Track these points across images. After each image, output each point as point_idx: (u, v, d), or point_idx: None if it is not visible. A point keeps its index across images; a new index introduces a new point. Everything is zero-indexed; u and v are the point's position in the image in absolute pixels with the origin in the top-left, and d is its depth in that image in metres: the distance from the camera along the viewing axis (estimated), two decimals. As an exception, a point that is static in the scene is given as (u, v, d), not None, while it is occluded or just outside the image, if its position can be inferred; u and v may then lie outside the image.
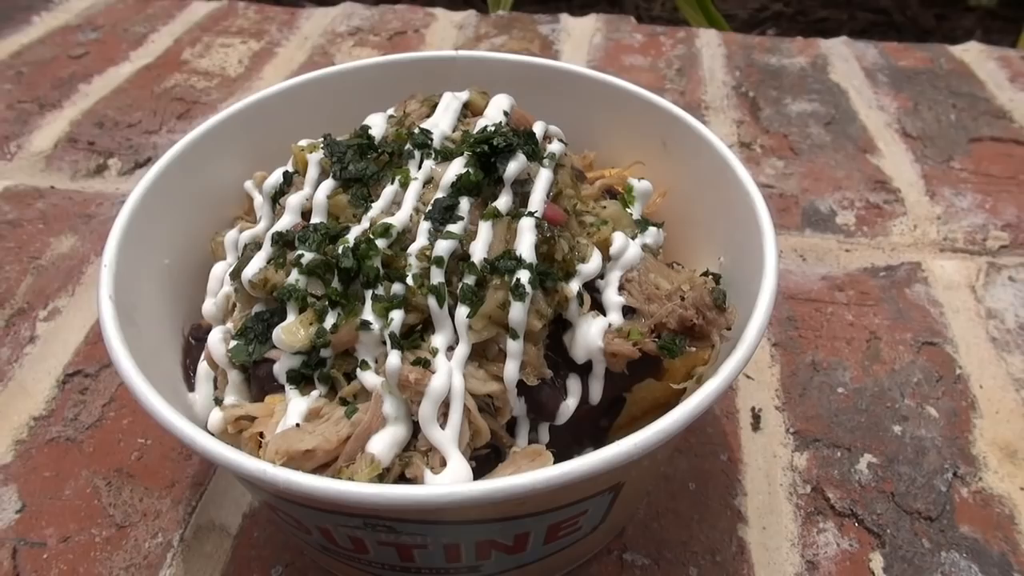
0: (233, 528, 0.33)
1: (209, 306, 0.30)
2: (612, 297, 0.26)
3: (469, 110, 0.31)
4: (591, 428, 0.28)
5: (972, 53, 0.67)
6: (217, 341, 0.27)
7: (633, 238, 0.28)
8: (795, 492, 0.34)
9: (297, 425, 0.24)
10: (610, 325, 0.26)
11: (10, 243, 0.46)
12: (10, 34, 0.67)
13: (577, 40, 0.67)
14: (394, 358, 0.23)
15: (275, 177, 0.30)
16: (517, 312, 0.24)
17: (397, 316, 0.24)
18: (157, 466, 0.35)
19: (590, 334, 0.25)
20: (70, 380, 0.39)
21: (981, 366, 0.40)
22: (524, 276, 0.24)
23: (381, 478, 0.23)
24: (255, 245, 0.28)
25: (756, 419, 0.37)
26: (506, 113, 0.30)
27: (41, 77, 0.61)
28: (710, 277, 0.27)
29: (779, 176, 0.51)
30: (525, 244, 0.25)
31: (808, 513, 0.34)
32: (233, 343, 0.26)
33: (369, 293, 0.25)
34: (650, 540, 0.33)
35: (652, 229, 0.30)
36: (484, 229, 0.25)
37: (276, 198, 0.29)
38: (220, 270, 0.30)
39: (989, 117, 0.58)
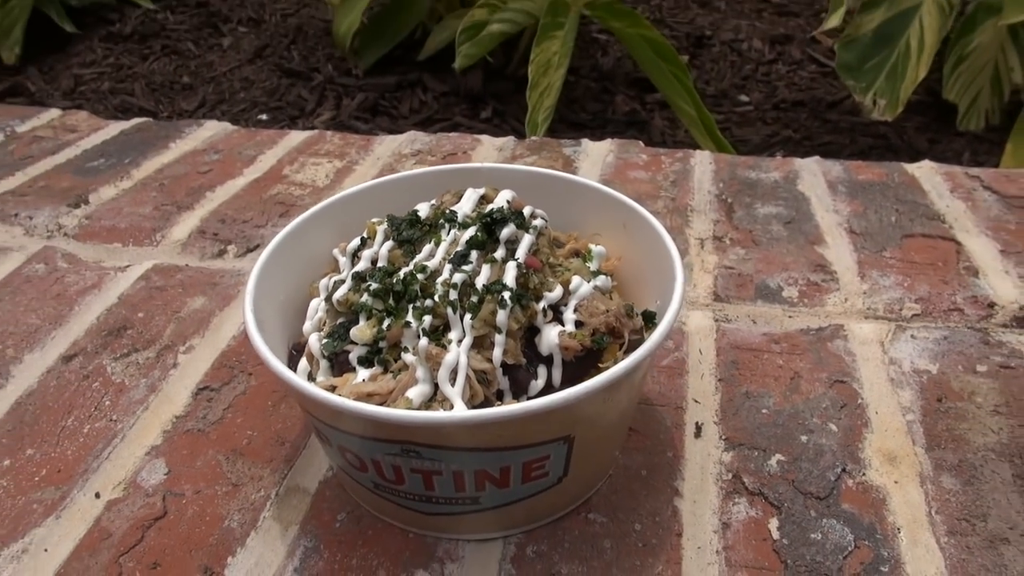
0: (312, 489, 0.47)
1: (308, 325, 0.44)
2: (568, 315, 0.40)
3: (484, 199, 0.46)
4: (557, 407, 0.41)
5: (924, 170, 0.80)
6: (315, 341, 0.41)
7: (588, 281, 0.42)
8: (720, 478, 0.46)
9: (363, 381, 0.38)
10: (564, 330, 0.39)
11: (159, 302, 0.62)
12: (154, 156, 0.86)
13: (593, 159, 0.83)
14: (423, 342, 0.38)
15: (355, 242, 0.46)
16: (502, 316, 0.38)
17: (427, 319, 0.38)
18: (260, 449, 0.49)
19: (551, 335, 0.39)
20: (200, 393, 0.54)
21: (879, 398, 0.51)
22: (507, 295, 0.38)
23: (413, 413, 0.37)
24: (340, 282, 0.43)
25: (698, 429, 0.50)
26: (508, 201, 0.45)
27: (178, 187, 0.80)
28: (628, 304, 0.40)
29: (740, 260, 0.65)
30: (509, 277, 0.39)
31: (728, 492, 0.46)
32: (324, 340, 0.41)
33: (411, 306, 0.39)
34: (608, 506, 0.45)
35: (602, 277, 0.44)
36: (485, 268, 0.40)
37: (355, 254, 0.45)
38: (315, 304, 0.45)
39: (924, 219, 0.71)
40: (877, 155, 1.22)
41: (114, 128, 0.94)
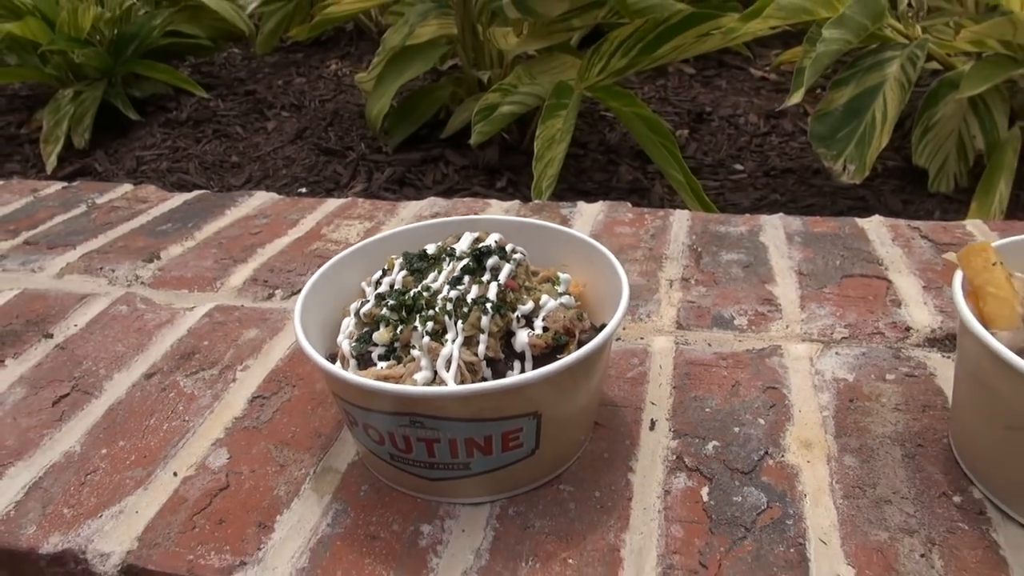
0: (342, 469, 0.59)
1: (340, 336, 0.58)
2: (538, 323, 0.53)
3: (478, 240, 0.59)
4: (530, 395, 0.53)
5: (873, 223, 0.92)
6: (346, 344, 0.55)
7: (555, 299, 0.55)
8: (666, 459, 0.58)
9: (381, 369, 0.51)
10: (533, 332, 0.52)
11: (220, 333, 0.76)
12: (213, 221, 1.02)
13: (586, 217, 0.97)
14: (427, 340, 0.51)
15: (377, 273, 0.59)
16: (485, 321, 0.51)
17: (430, 324, 0.51)
18: (302, 440, 0.62)
19: (523, 336, 0.52)
20: (255, 400, 0.67)
21: (803, 400, 0.63)
22: (489, 306, 0.51)
23: (417, 391, 0.49)
24: (366, 302, 0.56)
25: (652, 424, 0.61)
26: (496, 240, 0.59)
27: (234, 245, 0.94)
28: (580, 312, 0.53)
29: (701, 296, 0.77)
30: (492, 293, 0.52)
31: (671, 469, 0.57)
32: (353, 344, 0.54)
33: (418, 316, 0.52)
34: (575, 480, 0.56)
35: (566, 297, 0.56)
36: (474, 288, 0.53)
37: (377, 281, 0.58)
38: (346, 321, 0.58)
39: (864, 262, 0.83)
40: (856, 214, 1.34)
41: (178, 199, 1.10)
